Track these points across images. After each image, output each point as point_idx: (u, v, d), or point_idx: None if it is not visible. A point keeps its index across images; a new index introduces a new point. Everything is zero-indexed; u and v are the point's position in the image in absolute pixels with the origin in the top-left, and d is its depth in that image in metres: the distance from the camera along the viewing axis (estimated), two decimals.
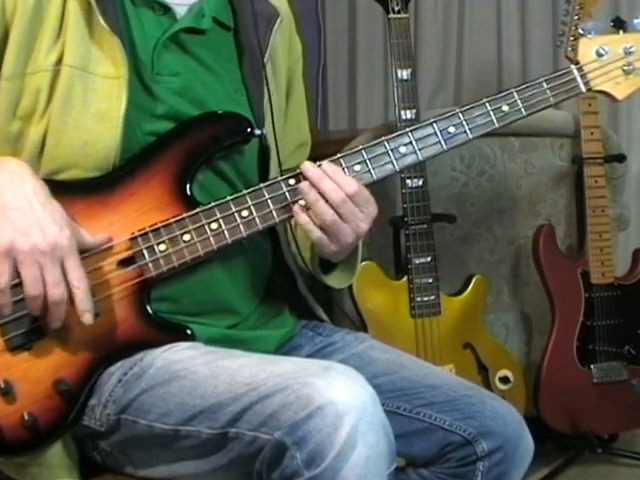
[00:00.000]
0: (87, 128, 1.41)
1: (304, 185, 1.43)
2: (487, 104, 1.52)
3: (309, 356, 1.59)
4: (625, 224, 2.83)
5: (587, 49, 1.56)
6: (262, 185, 1.45)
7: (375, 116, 3.70)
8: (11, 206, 1.32)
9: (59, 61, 1.41)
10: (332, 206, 1.42)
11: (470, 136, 1.51)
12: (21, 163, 1.38)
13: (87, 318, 1.35)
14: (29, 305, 1.34)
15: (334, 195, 1.42)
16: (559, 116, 2.73)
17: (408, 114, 2.37)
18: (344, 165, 1.46)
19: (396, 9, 2.39)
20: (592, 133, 2.59)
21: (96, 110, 1.41)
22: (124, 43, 1.43)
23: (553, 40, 3.27)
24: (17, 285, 1.36)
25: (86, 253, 1.38)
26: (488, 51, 3.50)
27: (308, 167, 1.44)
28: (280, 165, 1.56)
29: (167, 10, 1.51)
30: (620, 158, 2.69)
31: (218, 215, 1.43)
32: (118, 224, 1.41)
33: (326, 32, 3.82)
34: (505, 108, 1.52)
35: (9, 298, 1.32)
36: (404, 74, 2.39)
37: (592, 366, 2.62)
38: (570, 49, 2.51)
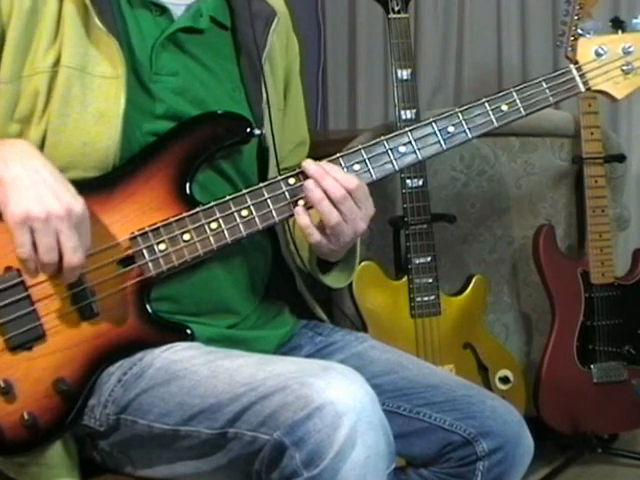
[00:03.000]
0: (86, 129, 1.41)
1: (309, 183, 1.43)
2: (486, 104, 1.52)
3: (309, 356, 1.59)
4: (625, 224, 2.83)
5: (586, 49, 1.57)
6: (262, 185, 1.45)
7: (375, 116, 3.71)
8: (22, 177, 1.32)
9: (56, 62, 1.42)
10: (333, 203, 1.42)
11: (469, 135, 1.51)
12: (29, 143, 1.39)
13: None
14: (42, 269, 1.33)
15: (335, 191, 1.42)
16: (559, 116, 2.73)
17: (408, 114, 2.37)
18: (343, 165, 1.46)
19: (396, 9, 2.39)
20: (592, 133, 2.59)
21: (95, 110, 1.41)
22: (121, 44, 1.43)
23: (553, 40, 3.27)
24: (18, 284, 1.37)
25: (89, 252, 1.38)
26: (488, 51, 3.50)
27: (310, 164, 1.45)
28: (278, 164, 1.56)
29: (164, 10, 1.51)
30: (620, 158, 2.69)
31: (218, 215, 1.43)
32: (118, 224, 1.41)
33: (326, 32, 3.82)
34: (504, 108, 1.52)
35: (36, 264, 1.32)
36: (404, 74, 2.39)
37: (592, 366, 2.62)
38: (570, 49, 2.51)
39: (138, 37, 1.48)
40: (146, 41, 1.48)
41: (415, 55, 3.36)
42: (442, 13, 3.58)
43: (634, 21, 1.59)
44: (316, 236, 1.44)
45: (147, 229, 1.42)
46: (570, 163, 2.71)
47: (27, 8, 1.41)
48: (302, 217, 1.43)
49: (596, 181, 2.61)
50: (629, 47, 1.56)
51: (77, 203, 1.32)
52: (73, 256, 1.32)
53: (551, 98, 1.54)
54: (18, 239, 1.30)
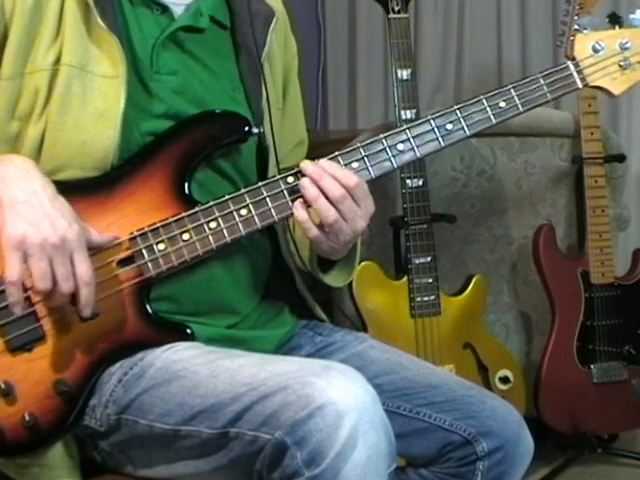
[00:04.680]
0: (85, 128, 1.41)
1: (305, 181, 1.43)
2: (484, 100, 1.52)
3: (309, 356, 1.59)
4: (625, 224, 2.84)
5: (583, 45, 1.57)
6: (260, 184, 1.45)
7: (375, 116, 3.71)
8: (20, 200, 1.31)
9: (57, 61, 1.41)
10: (332, 203, 1.42)
11: (467, 133, 1.51)
12: (26, 159, 1.38)
13: (87, 312, 1.35)
14: (36, 298, 1.34)
15: (334, 190, 1.41)
16: (559, 116, 2.73)
17: (408, 114, 2.37)
18: (342, 163, 1.46)
19: (396, 9, 2.39)
20: (592, 133, 2.59)
21: (94, 110, 1.41)
22: (122, 42, 1.43)
23: (553, 40, 3.28)
24: None
25: (90, 251, 1.37)
26: (488, 51, 3.51)
27: (307, 164, 1.44)
28: (278, 164, 1.56)
29: (165, 9, 1.51)
30: (620, 158, 2.69)
31: (217, 214, 1.43)
32: (117, 224, 1.41)
33: (326, 32, 3.83)
34: (502, 104, 1.52)
35: (21, 294, 1.31)
36: (404, 74, 2.39)
37: (592, 366, 2.63)
38: (570, 49, 2.50)
39: (139, 36, 1.48)
40: (147, 40, 1.48)
41: (415, 55, 3.36)
42: (442, 13, 3.58)
43: (631, 16, 1.59)
44: (314, 231, 1.43)
45: (146, 229, 1.41)
46: (570, 163, 2.71)
47: (30, 5, 1.41)
48: (300, 212, 1.43)
49: (596, 181, 2.61)
50: (626, 43, 1.56)
51: (72, 230, 1.32)
52: (64, 283, 1.31)
53: (549, 94, 1.54)
54: (9, 262, 1.29)
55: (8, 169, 1.34)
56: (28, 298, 1.37)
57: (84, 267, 1.33)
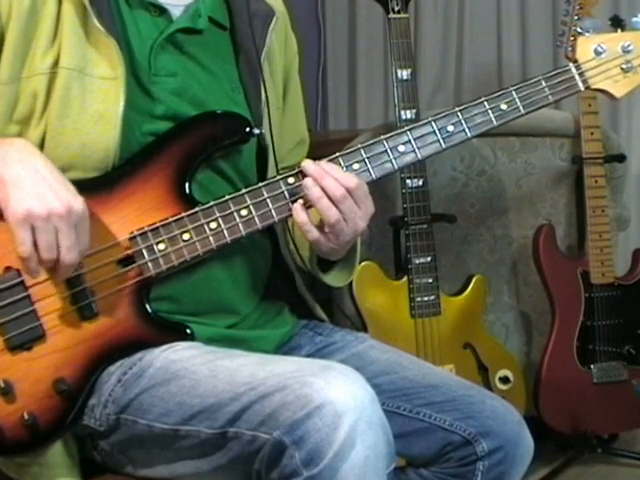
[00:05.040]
0: (85, 130, 1.41)
1: (308, 181, 1.43)
2: (485, 103, 1.52)
3: (309, 356, 1.59)
4: (625, 224, 2.84)
5: (585, 47, 1.56)
6: (261, 184, 1.45)
7: (375, 116, 3.71)
8: (22, 176, 1.32)
9: (55, 64, 1.42)
10: (333, 202, 1.42)
11: (469, 135, 1.51)
12: (27, 142, 1.39)
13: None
14: (40, 264, 1.34)
15: (335, 190, 1.42)
16: (559, 116, 2.73)
17: (408, 114, 2.37)
18: (343, 164, 1.46)
19: (396, 9, 2.39)
20: (592, 133, 2.59)
21: (94, 111, 1.42)
22: (120, 44, 1.43)
23: (553, 40, 3.28)
24: (18, 284, 1.37)
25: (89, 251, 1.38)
26: (488, 51, 3.51)
27: (309, 164, 1.45)
28: (277, 163, 1.56)
29: (163, 11, 1.51)
30: (620, 158, 2.69)
31: (217, 214, 1.43)
32: (117, 224, 1.41)
33: (326, 32, 3.83)
34: (504, 107, 1.52)
35: (36, 264, 1.32)
36: (404, 74, 2.39)
37: (592, 366, 2.63)
38: (570, 49, 2.51)
39: (137, 38, 1.48)
40: (145, 42, 1.49)
41: (415, 55, 3.36)
42: (442, 13, 3.58)
43: (633, 19, 1.59)
44: (314, 233, 1.44)
45: (146, 229, 1.42)
46: (570, 163, 2.71)
47: (26, 9, 1.41)
48: (300, 214, 1.43)
49: (596, 181, 2.61)
50: (628, 46, 1.56)
51: (77, 202, 1.33)
52: (67, 255, 1.32)
53: (550, 97, 1.54)
54: (19, 237, 1.30)
55: (10, 150, 1.35)
56: (29, 297, 1.37)
57: (85, 239, 1.34)
